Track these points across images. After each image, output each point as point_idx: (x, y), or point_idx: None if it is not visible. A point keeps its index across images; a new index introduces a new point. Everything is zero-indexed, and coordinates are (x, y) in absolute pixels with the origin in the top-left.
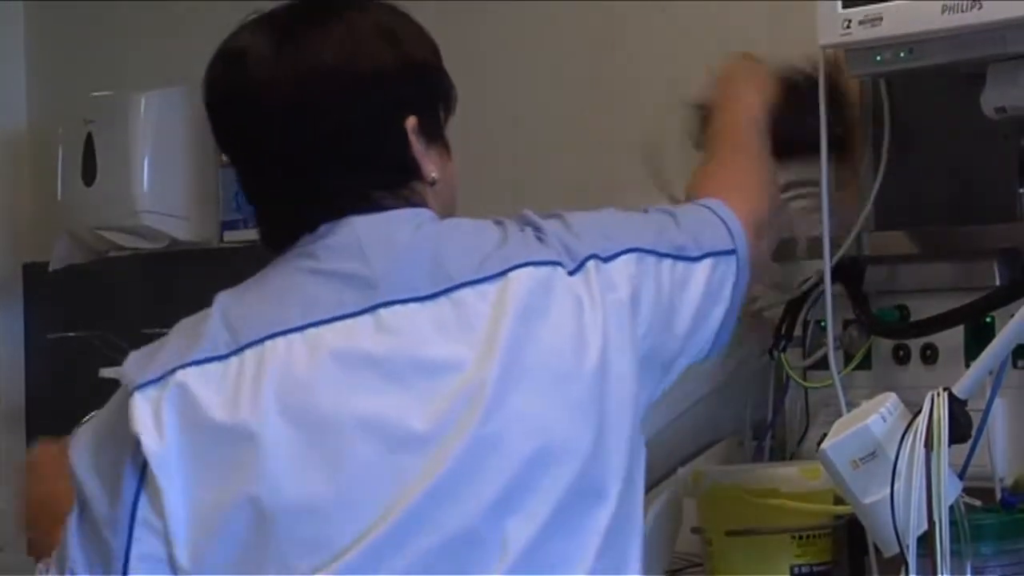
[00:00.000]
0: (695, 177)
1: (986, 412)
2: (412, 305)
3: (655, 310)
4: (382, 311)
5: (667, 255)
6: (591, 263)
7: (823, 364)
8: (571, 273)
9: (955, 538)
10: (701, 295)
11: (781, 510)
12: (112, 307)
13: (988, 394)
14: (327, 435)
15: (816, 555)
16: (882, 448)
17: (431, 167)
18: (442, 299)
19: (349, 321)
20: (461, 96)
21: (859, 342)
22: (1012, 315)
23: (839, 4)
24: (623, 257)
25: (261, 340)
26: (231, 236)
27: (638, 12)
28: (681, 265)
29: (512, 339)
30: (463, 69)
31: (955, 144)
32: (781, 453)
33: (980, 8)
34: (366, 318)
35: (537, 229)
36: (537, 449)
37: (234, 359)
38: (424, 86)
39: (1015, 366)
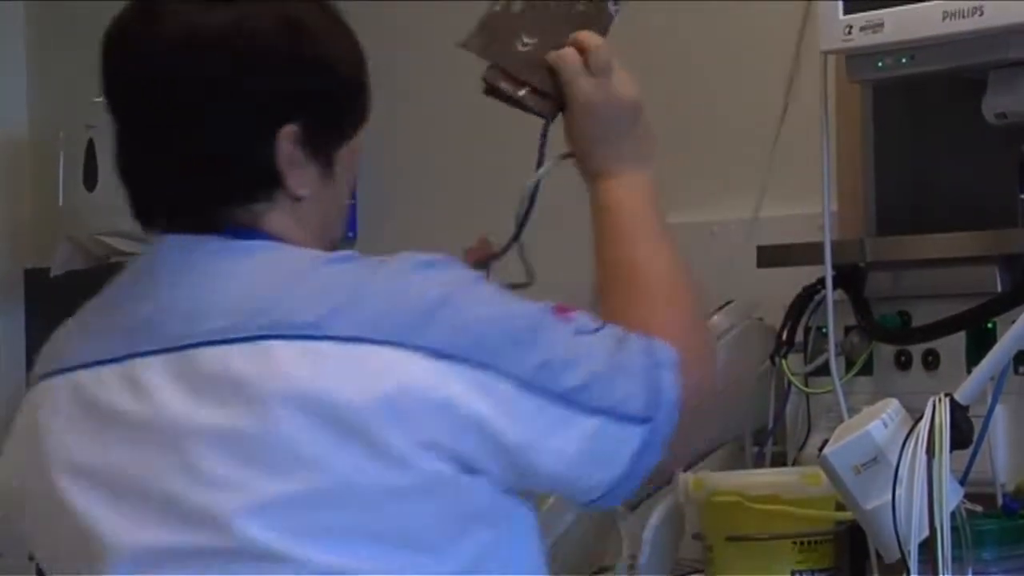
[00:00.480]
0: (612, 288)
1: (987, 418)
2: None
3: (483, 443)
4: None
5: (539, 390)
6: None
7: (824, 370)
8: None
9: (956, 544)
10: (575, 452)
11: (782, 516)
12: None
13: (989, 400)
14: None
15: (817, 561)
16: (883, 454)
17: (301, 183)
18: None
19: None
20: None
21: (860, 348)
22: (1013, 321)
23: (840, 10)
24: (473, 370)
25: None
26: None
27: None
28: (554, 411)
29: None
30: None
31: (956, 150)
32: (782, 459)
33: (981, 14)
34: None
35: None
36: None
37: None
38: (321, 92)
39: (1016, 372)
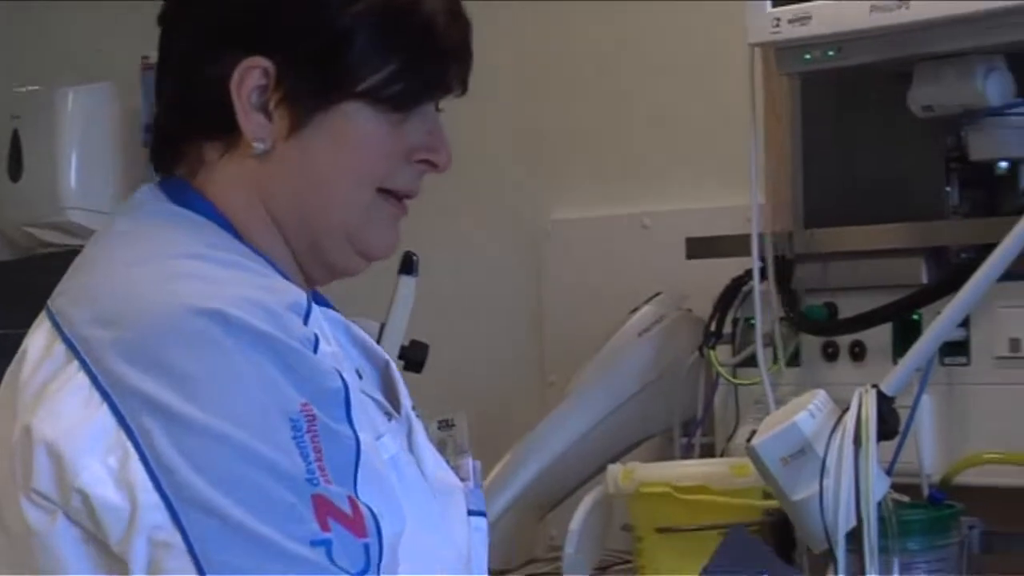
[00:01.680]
0: None
1: (913, 409)
2: None
3: None
4: None
5: None
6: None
7: (752, 361)
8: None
9: (883, 534)
10: None
11: (711, 507)
12: (40, 305)
13: (915, 391)
14: None
15: None
16: (811, 445)
17: (258, 132)
18: None
19: None
20: None
21: (788, 339)
22: (939, 313)
23: (768, 3)
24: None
25: None
26: None
27: None
28: None
29: None
30: None
31: (884, 143)
32: (711, 450)
33: (907, 8)
34: None
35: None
36: None
37: None
38: (306, 28)
39: (942, 363)
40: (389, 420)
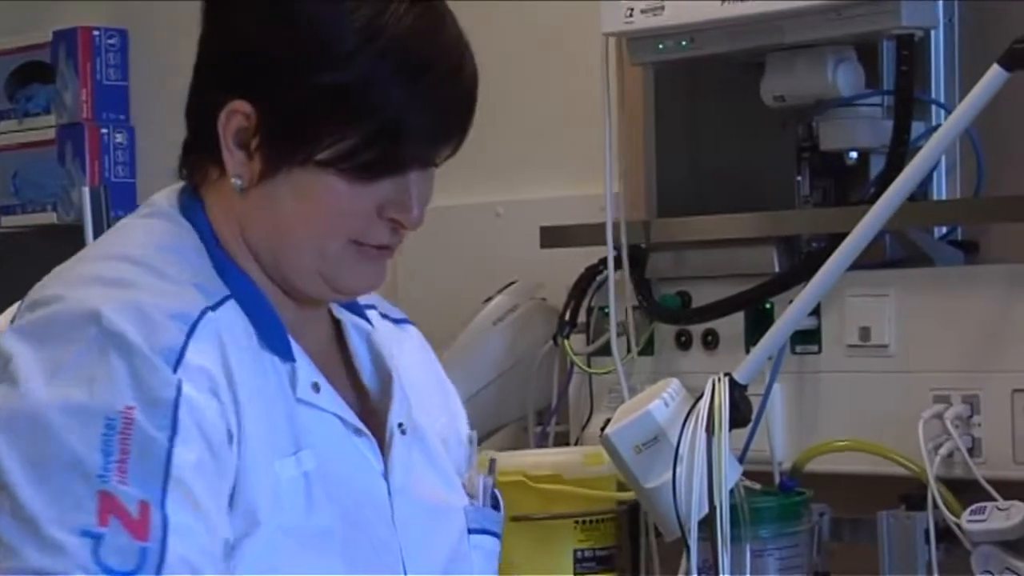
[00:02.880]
0: None
1: (765, 397)
2: None
3: None
4: None
5: None
6: None
7: (606, 350)
8: None
9: (735, 521)
10: None
11: (564, 496)
12: None
13: (767, 379)
14: None
15: (599, 540)
16: (664, 433)
17: (236, 168)
18: None
19: None
20: None
21: (642, 328)
22: (790, 301)
23: None
24: None
25: None
26: (9, 221)
27: None
28: None
29: None
30: None
31: (736, 132)
32: (565, 438)
33: None
34: None
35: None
36: None
37: None
38: (284, 82)
39: (793, 352)
40: (359, 435)
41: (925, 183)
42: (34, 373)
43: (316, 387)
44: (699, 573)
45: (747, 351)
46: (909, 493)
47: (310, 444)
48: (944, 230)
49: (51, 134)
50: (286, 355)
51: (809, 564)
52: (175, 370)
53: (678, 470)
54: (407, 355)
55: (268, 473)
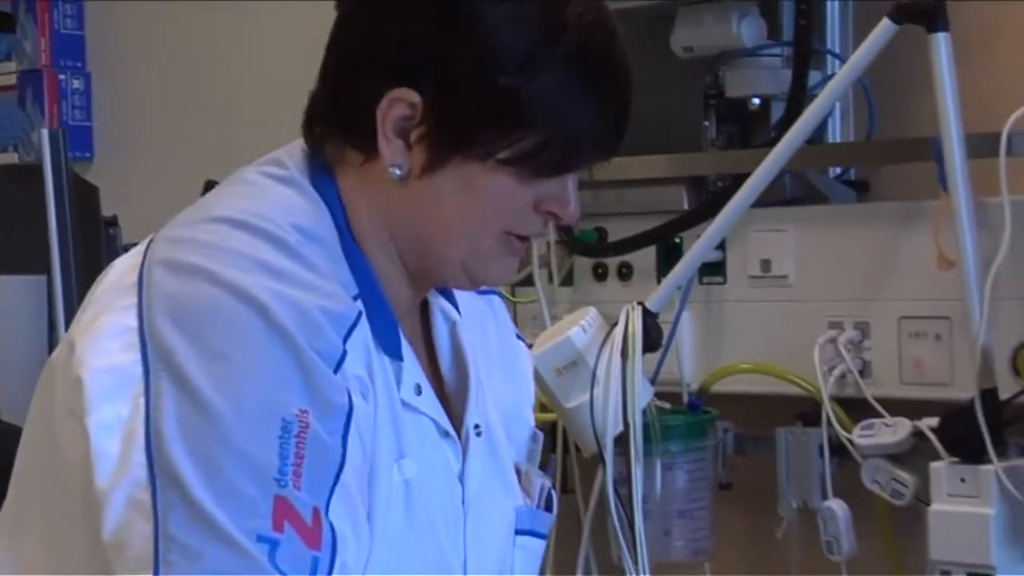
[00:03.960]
0: None
1: (675, 324)
2: None
3: None
4: None
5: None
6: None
7: (530, 281)
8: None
9: (647, 438)
10: None
11: None
12: None
13: (677, 308)
14: None
15: None
16: (582, 357)
17: (394, 156)
18: None
19: None
20: None
21: (562, 261)
22: (698, 236)
23: None
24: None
25: None
26: None
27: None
28: None
29: None
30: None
31: (649, 81)
32: None
33: None
34: None
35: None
36: None
37: None
38: (461, 86)
39: (701, 282)
40: (446, 438)
41: (821, 127)
42: (201, 367)
43: (419, 389)
44: (614, 485)
45: (658, 282)
46: (805, 411)
47: (410, 450)
48: (838, 171)
49: (12, 80)
50: (396, 354)
51: (714, 476)
52: (336, 373)
53: (595, 391)
54: (490, 331)
55: (387, 481)
